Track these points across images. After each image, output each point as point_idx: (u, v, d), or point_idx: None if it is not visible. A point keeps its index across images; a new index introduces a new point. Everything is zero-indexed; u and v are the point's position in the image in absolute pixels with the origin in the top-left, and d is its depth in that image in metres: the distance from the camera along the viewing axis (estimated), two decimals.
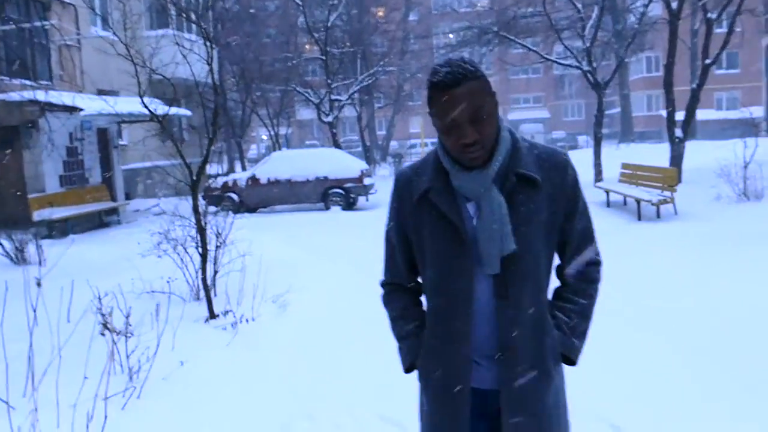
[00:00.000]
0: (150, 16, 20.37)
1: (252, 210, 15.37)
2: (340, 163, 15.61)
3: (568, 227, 1.73)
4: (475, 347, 1.71)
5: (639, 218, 10.38)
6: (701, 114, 38.18)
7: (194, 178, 5.64)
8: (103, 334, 3.85)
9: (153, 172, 18.61)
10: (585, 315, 1.79)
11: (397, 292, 1.89)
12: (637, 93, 47.68)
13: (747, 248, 7.55)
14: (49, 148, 12.11)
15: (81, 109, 12.45)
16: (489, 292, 1.67)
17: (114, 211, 14.66)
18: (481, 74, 1.61)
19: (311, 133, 51.26)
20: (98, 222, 14.05)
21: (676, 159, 12.96)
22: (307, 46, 24.53)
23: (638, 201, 10.38)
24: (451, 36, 36.40)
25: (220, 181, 15.84)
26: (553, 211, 1.68)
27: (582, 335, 1.79)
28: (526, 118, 54.98)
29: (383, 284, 1.93)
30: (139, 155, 18.63)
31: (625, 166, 12.38)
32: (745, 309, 5.22)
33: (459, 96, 1.56)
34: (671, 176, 10.32)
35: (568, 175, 1.71)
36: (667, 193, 10.15)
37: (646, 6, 15.54)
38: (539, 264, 1.68)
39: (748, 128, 12.24)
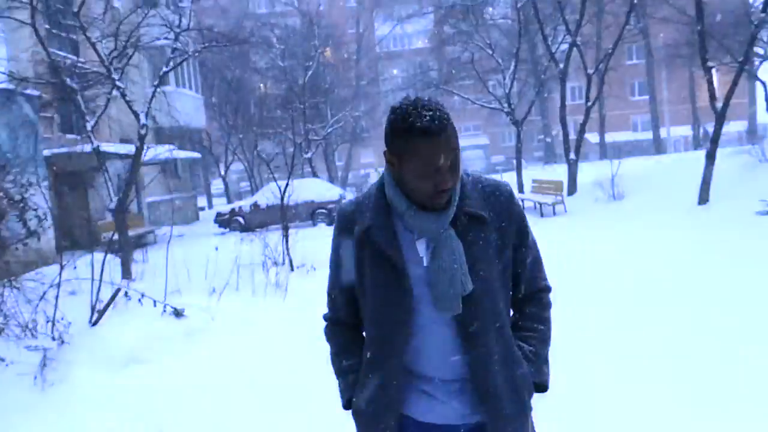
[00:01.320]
0: (152, 72, 24.50)
1: (253, 230, 19.53)
2: (322, 189, 20.00)
3: (518, 258, 1.76)
4: (427, 380, 1.72)
5: (542, 215, 15.13)
6: (618, 136, 44.10)
7: (282, 198, 9.92)
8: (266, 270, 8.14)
9: (160, 204, 22.61)
10: (544, 341, 1.81)
11: (338, 327, 1.87)
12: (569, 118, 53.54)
13: (611, 225, 12.22)
14: (108, 186, 16.09)
15: (129, 155, 16.48)
16: (448, 332, 1.68)
17: (149, 233, 18.62)
18: (451, 119, 1.60)
19: (265, 167, 55.22)
20: (137, 243, 17.96)
21: (572, 175, 17.88)
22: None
23: (540, 204, 15.17)
24: (396, 74, 41.62)
25: (229, 208, 20.02)
26: (503, 245, 1.71)
27: (546, 360, 1.81)
28: (468, 144, 60.26)
29: (325, 318, 1.92)
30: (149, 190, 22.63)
31: (534, 180, 17.31)
32: (610, 254, 9.31)
33: (443, 143, 1.56)
34: (559, 186, 15.22)
35: (514, 206, 1.74)
36: (559, 198, 14.98)
37: (549, 61, 20.59)
38: (497, 299, 1.70)
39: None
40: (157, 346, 5.78)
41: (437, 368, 1.72)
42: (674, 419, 3.67)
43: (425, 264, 1.66)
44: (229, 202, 27.92)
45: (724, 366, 4.42)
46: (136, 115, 9.79)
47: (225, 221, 19.16)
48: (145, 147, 9.79)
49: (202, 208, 29.85)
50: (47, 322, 5.48)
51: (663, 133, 41.36)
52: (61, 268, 6.08)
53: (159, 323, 6.13)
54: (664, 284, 6.96)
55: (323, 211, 19.60)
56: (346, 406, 1.84)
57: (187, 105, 23.93)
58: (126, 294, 6.20)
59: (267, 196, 20.22)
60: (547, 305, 1.86)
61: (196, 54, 10.74)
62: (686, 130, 43.08)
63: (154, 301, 6.19)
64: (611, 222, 12.73)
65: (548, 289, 1.87)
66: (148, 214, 20.35)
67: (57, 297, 5.95)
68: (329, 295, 1.91)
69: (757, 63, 21.56)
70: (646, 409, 3.87)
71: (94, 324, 6.04)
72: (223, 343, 5.97)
